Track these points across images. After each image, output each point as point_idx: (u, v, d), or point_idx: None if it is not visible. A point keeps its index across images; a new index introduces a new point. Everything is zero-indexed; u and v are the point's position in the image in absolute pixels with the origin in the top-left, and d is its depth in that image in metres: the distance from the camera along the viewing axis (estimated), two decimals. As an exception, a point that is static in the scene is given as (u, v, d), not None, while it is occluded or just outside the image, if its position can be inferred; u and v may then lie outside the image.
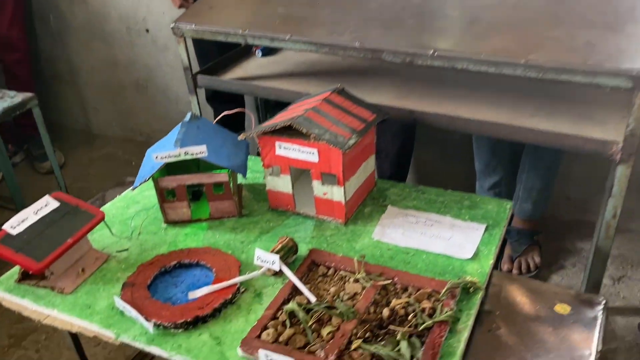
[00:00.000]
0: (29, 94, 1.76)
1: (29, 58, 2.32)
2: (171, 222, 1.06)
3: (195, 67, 1.45)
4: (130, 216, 1.10)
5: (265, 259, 0.88)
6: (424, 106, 1.16)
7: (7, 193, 2.09)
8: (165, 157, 0.97)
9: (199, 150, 0.97)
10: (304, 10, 1.29)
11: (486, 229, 0.97)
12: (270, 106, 1.95)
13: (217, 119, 1.13)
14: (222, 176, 1.02)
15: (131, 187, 0.99)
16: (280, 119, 1.00)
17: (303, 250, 0.94)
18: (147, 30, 2.25)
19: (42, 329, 1.60)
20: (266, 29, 1.22)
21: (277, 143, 0.99)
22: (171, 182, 1.02)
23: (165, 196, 1.03)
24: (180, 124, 1.07)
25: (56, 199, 0.96)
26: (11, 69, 2.28)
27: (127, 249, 1.00)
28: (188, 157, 0.97)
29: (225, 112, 1.14)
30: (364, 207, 1.06)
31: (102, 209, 1.14)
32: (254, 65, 1.49)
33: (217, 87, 1.40)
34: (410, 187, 1.11)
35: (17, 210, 2.09)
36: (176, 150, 0.97)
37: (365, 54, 1.10)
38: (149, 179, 0.99)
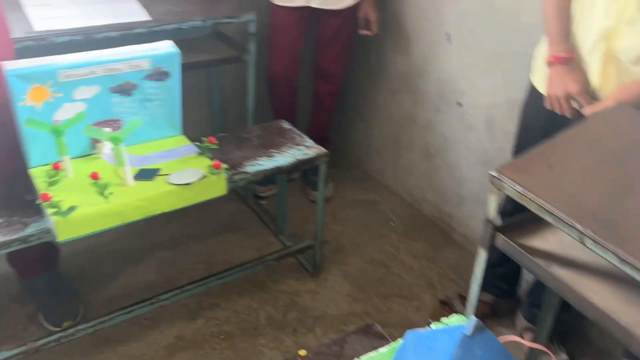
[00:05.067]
0: (322, 151, 1.74)
1: (340, 91, 2.37)
2: None
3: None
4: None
5: None
6: None
7: (274, 210, 2.19)
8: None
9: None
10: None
11: None
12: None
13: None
14: None
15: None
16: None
17: None
18: (460, 104, 2.06)
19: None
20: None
21: None
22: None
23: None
24: (454, 332, 0.84)
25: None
26: (321, 98, 2.35)
27: None
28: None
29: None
30: None
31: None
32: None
33: (519, 261, 1.11)
34: None
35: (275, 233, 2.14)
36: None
37: None
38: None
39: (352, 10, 2.12)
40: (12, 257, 1.73)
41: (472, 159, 2.07)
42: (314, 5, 2.06)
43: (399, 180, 2.49)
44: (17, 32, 1.54)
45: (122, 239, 2.07)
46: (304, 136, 1.83)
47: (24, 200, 1.41)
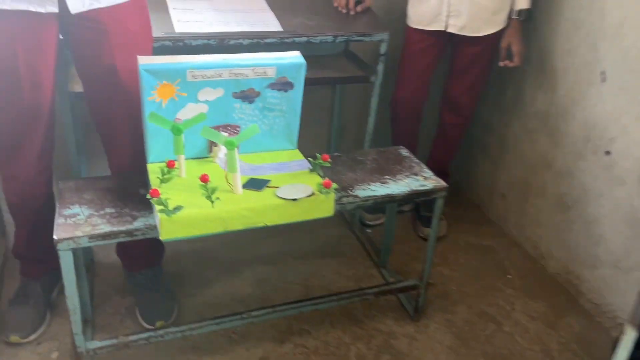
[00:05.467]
0: (441, 184, 1.59)
1: (468, 124, 2.20)
2: None
3: None
4: None
5: None
6: None
7: (379, 241, 2.06)
8: None
9: None
10: None
11: None
12: None
13: None
14: None
15: None
16: None
17: None
18: (608, 152, 1.80)
19: None
20: None
21: None
22: None
23: None
24: None
25: None
26: (446, 129, 2.20)
27: None
28: None
29: None
30: None
31: None
32: None
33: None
34: None
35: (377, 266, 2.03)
36: None
37: None
38: None
39: (492, 39, 1.96)
40: (120, 249, 1.78)
41: (617, 216, 1.79)
42: (452, 30, 1.93)
43: (523, 229, 2.24)
44: (157, 32, 1.59)
45: (225, 248, 2.06)
46: (423, 166, 1.69)
47: (137, 194, 1.43)
